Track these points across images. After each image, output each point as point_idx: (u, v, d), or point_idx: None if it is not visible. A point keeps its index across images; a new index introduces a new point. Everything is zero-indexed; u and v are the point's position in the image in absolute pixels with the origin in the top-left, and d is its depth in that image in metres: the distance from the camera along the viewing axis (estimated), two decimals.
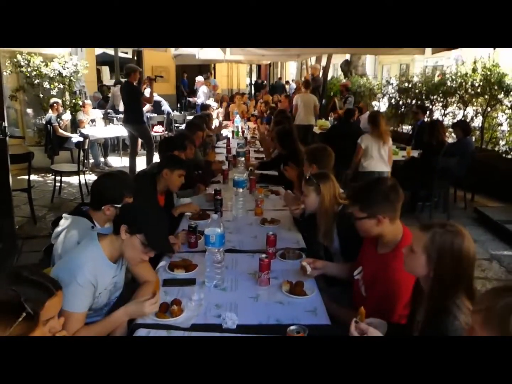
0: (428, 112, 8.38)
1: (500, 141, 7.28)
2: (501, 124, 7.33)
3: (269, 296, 2.16)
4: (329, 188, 2.60)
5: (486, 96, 7.30)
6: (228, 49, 7.44)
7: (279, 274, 2.36)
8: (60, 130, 7.66)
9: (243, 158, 4.51)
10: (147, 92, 7.47)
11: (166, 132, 10.23)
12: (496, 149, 7.19)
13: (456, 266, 1.48)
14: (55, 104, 7.63)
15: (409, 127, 9.17)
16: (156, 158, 6.27)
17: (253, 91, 20.40)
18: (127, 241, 1.88)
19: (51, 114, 7.57)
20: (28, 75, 7.73)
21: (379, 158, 5.12)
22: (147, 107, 8.91)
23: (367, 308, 1.65)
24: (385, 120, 5.50)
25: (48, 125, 7.54)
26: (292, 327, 1.61)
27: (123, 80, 8.94)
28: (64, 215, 2.33)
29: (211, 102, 10.55)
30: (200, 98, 11.36)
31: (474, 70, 7.52)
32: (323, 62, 11.46)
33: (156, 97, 10.29)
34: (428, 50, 6.84)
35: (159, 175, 3.14)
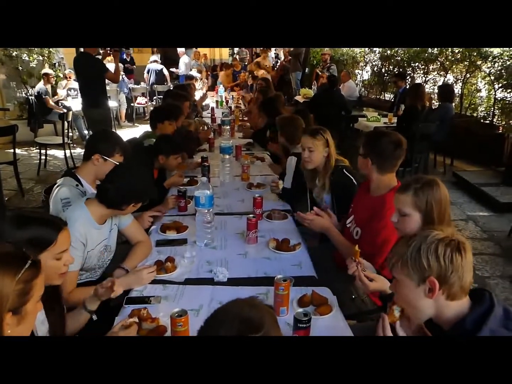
0: (409, 80, 8.47)
1: (479, 107, 7.44)
2: (479, 90, 7.46)
3: (257, 252, 2.30)
4: (332, 143, 2.71)
5: (465, 63, 7.40)
6: None
7: (266, 233, 2.49)
8: (51, 102, 7.50)
9: (228, 127, 4.59)
10: (111, 67, 5.85)
11: (150, 103, 10.15)
12: (475, 114, 7.35)
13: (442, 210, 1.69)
14: (46, 76, 7.42)
15: (391, 95, 9.25)
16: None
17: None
18: None
19: (42, 85, 7.35)
20: None
21: None
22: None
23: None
24: None
25: (31, 98, 7.39)
26: (279, 276, 1.74)
27: None
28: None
29: (194, 72, 10.44)
30: (181, 69, 11.22)
31: None
32: None
33: None
34: None
35: (155, 158, 3.12)
